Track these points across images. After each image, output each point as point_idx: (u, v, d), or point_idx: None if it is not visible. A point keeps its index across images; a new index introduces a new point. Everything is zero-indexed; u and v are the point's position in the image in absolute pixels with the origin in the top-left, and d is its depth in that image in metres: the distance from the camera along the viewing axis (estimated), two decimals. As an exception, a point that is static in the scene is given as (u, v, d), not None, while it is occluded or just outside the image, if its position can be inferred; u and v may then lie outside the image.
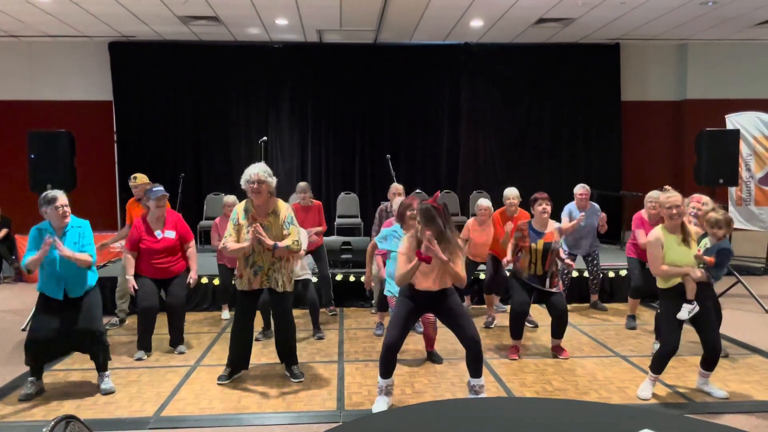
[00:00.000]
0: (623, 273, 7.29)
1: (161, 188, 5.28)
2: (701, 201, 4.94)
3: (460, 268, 3.95)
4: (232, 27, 9.25)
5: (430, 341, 5.18)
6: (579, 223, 6.39)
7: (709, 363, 4.28)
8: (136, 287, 5.16)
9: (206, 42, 10.03)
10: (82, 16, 8.44)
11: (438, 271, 3.97)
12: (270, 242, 4.37)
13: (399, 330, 4.03)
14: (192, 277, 5.34)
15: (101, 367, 4.51)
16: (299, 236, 4.60)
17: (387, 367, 4.08)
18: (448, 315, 4.08)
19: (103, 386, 4.47)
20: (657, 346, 5.26)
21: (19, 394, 4.37)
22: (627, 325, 6.20)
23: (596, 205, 6.80)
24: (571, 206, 6.76)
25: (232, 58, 10.15)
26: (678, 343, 4.20)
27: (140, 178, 6.22)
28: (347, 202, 9.99)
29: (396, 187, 6.53)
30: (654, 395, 4.33)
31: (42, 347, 4.32)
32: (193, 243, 5.46)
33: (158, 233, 5.21)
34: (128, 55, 9.97)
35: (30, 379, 4.44)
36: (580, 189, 6.73)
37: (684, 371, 4.82)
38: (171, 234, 5.26)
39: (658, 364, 4.27)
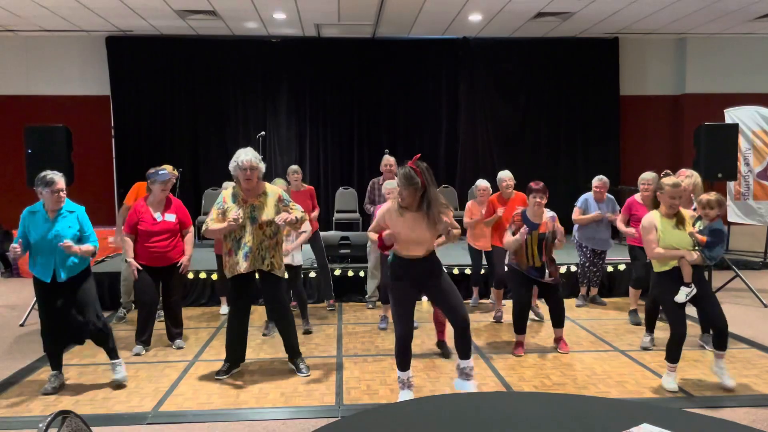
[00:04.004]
0: (622, 267, 7.29)
1: (166, 171, 5.25)
2: (685, 174, 5.12)
3: (450, 221, 3.93)
4: (230, 21, 9.21)
5: (441, 328, 5.15)
6: (595, 219, 6.40)
7: (719, 341, 4.29)
8: (140, 268, 5.11)
9: (204, 36, 9.99)
10: (79, 9, 8.39)
11: (420, 235, 3.86)
12: (290, 216, 4.40)
13: (407, 318, 4.00)
14: (184, 263, 5.28)
15: (110, 354, 4.47)
16: (301, 208, 4.66)
17: (404, 359, 4.06)
18: (437, 292, 4.03)
19: (114, 377, 4.44)
20: (646, 339, 5.29)
21: (43, 388, 4.37)
22: (631, 320, 6.14)
23: (611, 197, 6.68)
24: (587, 196, 6.66)
25: (230, 52, 10.11)
26: (685, 327, 4.24)
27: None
28: (345, 197, 9.97)
29: (387, 158, 6.52)
30: (652, 389, 4.34)
31: (58, 331, 4.30)
32: (191, 229, 5.41)
33: (158, 216, 5.16)
34: (125, 50, 9.94)
35: (53, 372, 4.44)
36: (597, 182, 6.59)
37: (683, 365, 4.81)
38: (171, 217, 5.20)
39: (672, 353, 4.30)
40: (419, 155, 3.88)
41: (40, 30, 9.52)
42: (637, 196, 5.95)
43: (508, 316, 6.35)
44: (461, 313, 3.99)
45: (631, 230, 5.82)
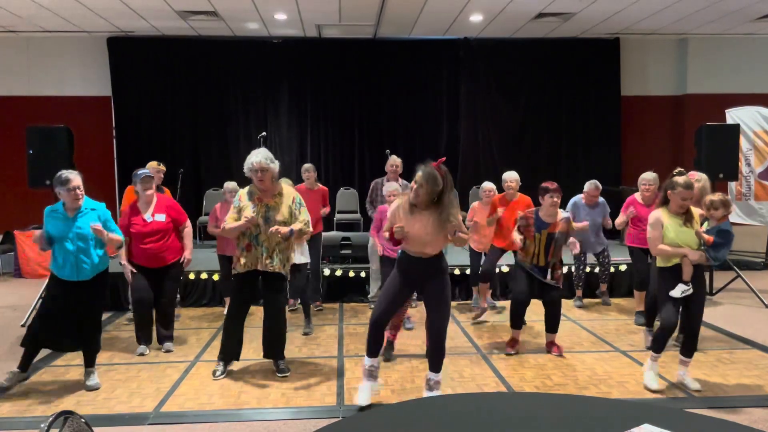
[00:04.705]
0: (623, 268, 7.28)
1: (146, 171, 5.24)
2: (695, 177, 5.10)
3: (462, 228, 3.91)
4: (231, 22, 9.22)
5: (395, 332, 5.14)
6: (582, 229, 6.36)
7: (687, 347, 4.33)
8: (134, 270, 5.12)
9: (205, 37, 10.00)
10: (80, 10, 8.41)
11: (426, 234, 3.85)
12: (285, 230, 4.39)
13: (385, 306, 4.00)
14: (186, 257, 5.27)
15: (89, 363, 4.50)
16: (308, 217, 4.65)
17: (373, 345, 4.05)
18: (428, 297, 4.01)
19: (88, 383, 4.45)
20: (650, 337, 5.28)
21: None
22: (636, 321, 6.14)
23: (602, 200, 6.66)
24: (577, 200, 6.64)
25: (231, 53, 10.12)
26: (676, 320, 4.27)
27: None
28: (347, 198, 9.98)
29: (394, 159, 6.53)
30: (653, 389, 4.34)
31: (48, 331, 4.31)
32: (188, 224, 5.36)
33: (147, 217, 5.13)
34: (127, 51, 9.95)
35: (16, 370, 4.43)
36: (592, 189, 6.53)
37: (684, 366, 4.82)
38: (161, 217, 5.15)
39: (658, 343, 4.32)
40: (444, 159, 3.86)
41: (41, 31, 9.54)
42: (637, 196, 5.95)
43: (497, 317, 6.38)
44: (439, 328, 3.97)
45: (630, 210, 5.80)
